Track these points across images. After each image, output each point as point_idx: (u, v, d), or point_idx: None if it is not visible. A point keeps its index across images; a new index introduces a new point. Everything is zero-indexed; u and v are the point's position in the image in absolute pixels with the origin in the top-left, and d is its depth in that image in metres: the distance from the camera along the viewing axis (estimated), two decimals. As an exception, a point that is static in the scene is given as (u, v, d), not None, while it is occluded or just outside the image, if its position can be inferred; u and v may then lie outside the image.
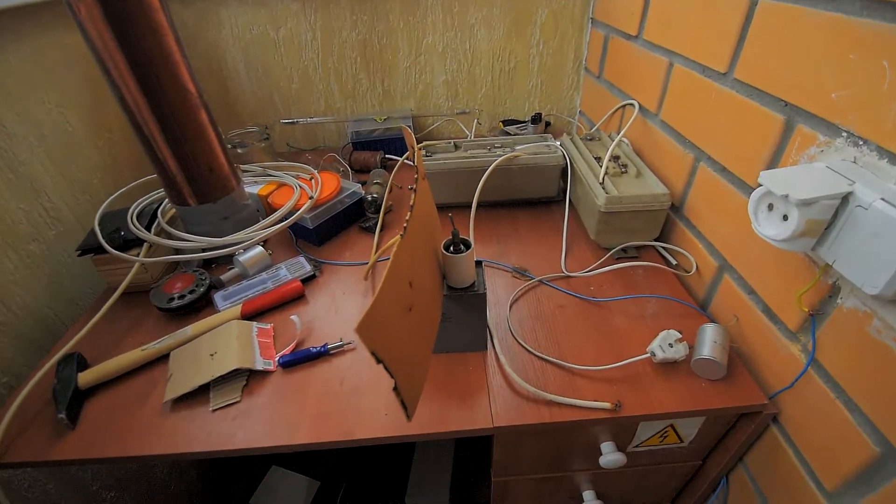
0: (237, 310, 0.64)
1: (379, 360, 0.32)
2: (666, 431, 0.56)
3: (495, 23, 1.02)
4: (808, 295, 0.47)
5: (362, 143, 1.03)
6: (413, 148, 0.54)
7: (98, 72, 0.64)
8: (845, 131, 0.42)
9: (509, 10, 1.01)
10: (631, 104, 0.83)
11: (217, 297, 0.67)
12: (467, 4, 1.00)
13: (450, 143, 0.87)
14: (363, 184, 0.90)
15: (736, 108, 0.56)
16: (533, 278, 0.69)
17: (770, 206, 0.43)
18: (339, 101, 1.10)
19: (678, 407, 0.50)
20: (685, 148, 0.68)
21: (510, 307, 0.64)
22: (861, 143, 0.41)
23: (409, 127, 1.04)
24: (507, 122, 1.10)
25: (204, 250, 0.73)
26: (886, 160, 0.39)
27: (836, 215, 0.40)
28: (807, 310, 0.47)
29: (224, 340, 0.59)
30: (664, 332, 0.54)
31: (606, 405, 0.50)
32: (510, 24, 1.03)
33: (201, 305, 0.68)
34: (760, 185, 0.43)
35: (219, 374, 0.55)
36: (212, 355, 0.58)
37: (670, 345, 0.53)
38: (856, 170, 0.41)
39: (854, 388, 0.43)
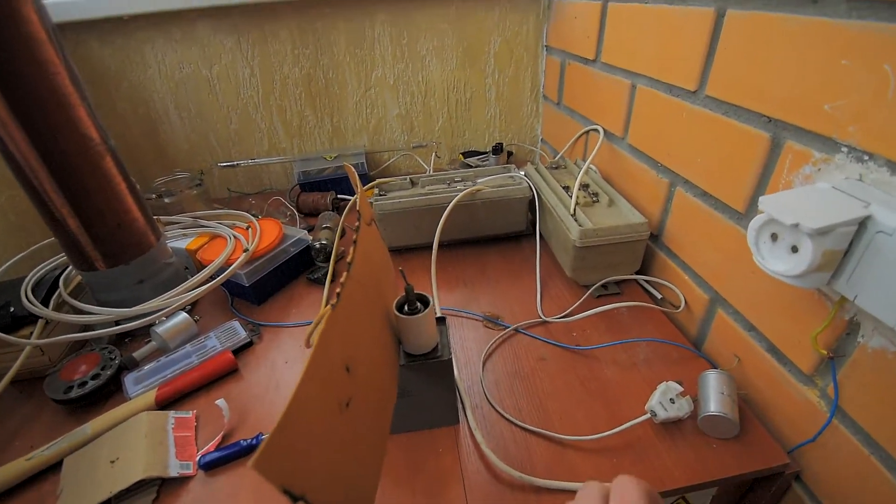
0: (150, 396, 0.52)
1: (296, 498, 0.23)
2: (676, 504, 0.47)
3: (447, 53, 0.98)
4: (823, 335, 0.40)
5: (311, 184, 0.95)
6: (356, 186, 0.46)
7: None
8: (845, 146, 0.37)
9: (461, 39, 0.97)
10: (595, 130, 0.79)
11: (127, 380, 0.55)
12: (417, 35, 0.95)
13: (405, 179, 0.80)
14: (311, 229, 0.81)
15: (711, 127, 0.51)
16: (507, 327, 0.60)
17: (773, 236, 0.37)
18: (284, 141, 1.02)
19: (689, 479, 0.42)
20: (658, 172, 0.63)
21: (483, 365, 0.55)
22: (867, 157, 0.35)
23: (362, 164, 0.96)
24: (467, 154, 1.04)
25: (118, 323, 0.61)
26: (902, 176, 0.33)
27: (852, 243, 0.34)
28: (825, 352, 0.40)
29: (129, 441, 0.47)
30: (663, 386, 0.46)
31: (606, 486, 0.41)
32: (462, 53, 0.98)
33: (109, 392, 0.56)
34: (761, 213, 0.36)
35: (120, 489, 0.43)
36: (112, 462, 0.46)
37: (672, 400, 0.45)
38: (865, 189, 0.35)
39: (892, 442, 0.36)
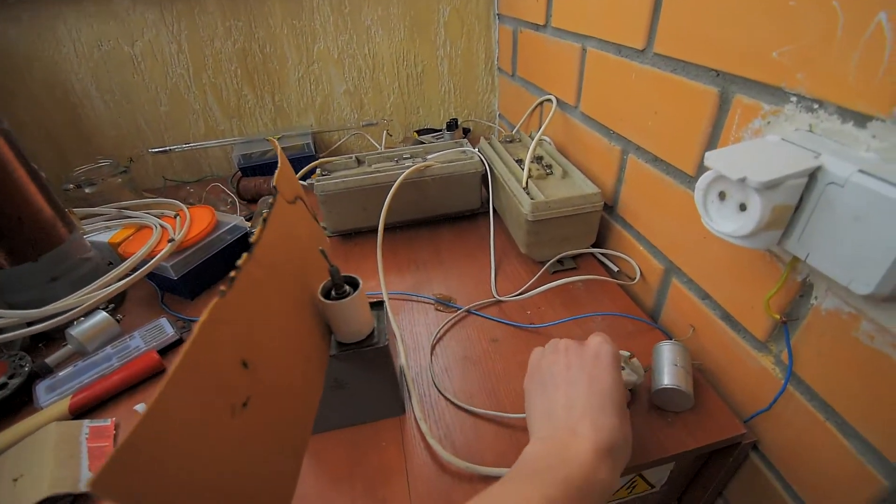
0: (64, 405, 0.47)
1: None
2: (633, 482, 0.45)
3: (394, 23, 0.92)
4: (775, 298, 0.38)
5: (252, 168, 0.88)
6: (280, 159, 0.41)
7: None
8: (794, 95, 0.34)
9: (408, 8, 0.91)
10: (549, 100, 0.75)
11: (39, 388, 0.50)
12: (360, 3, 0.89)
13: (351, 157, 0.75)
14: (251, 216, 0.75)
15: (660, 86, 0.49)
16: (459, 308, 0.57)
17: (721, 195, 0.34)
18: (222, 123, 0.95)
19: (644, 457, 0.40)
20: (611, 140, 0.60)
21: (433, 350, 0.52)
22: (816, 106, 0.33)
23: (309, 145, 0.90)
24: (421, 132, 0.99)
25: (29, 325, 0.55)
26: (852, 123, 0.31)
27: (802, 198, 0.32)
28: (778, 316, 0.38)
29: (35, 455, 0.42)
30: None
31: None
32: (410, 24, 0.93)
33: (19, 403, 0.50)
34: (708, 171, 0.34)
35: (20, 511, 0.38)
36: (15, 480, 0.41)
37: (622, 366, 0.43)
38: (816, 139, 0.32)
39: (848, 407, 0.35)
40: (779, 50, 0.35)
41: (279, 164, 0.38)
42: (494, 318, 0.55)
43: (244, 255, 0.28)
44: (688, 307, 0.50)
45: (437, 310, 0.58)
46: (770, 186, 0.30)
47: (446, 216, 0.75)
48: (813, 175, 0.30)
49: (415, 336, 0.54)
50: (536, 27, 0.78)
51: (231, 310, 0.26)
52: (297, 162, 0.90)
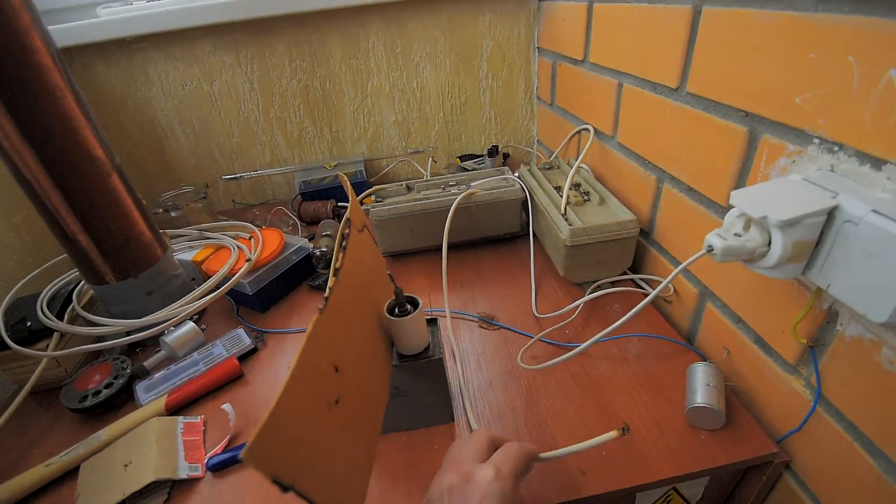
0: (161, 403, 0.55)
1: (286, 488, 0.24)
2: (669, 496, 0.48)
3: (440, 59, 0.99)
4: (803, 323, 0.41)
5: (311, 193, 0.97)
6: (349, 193, 0.48)
7: None
8: (816, 137, 0.38)
9: (453, 45, 0.98)
10: (586, 129, 0.80)
11: (139, 388, 0.58)
12: (409, 43, 0.97)
13: (402, 185, 0.82)
14: (312, 237, 0.83)
15: (693, 123, 0.52)
16: (501, 326, 0.62)
17: (747, 229, 0.38)
18: (285, 151, 1.04)
19: (677, 470, 0.43)
20: (646, 169, 0.64)
21: (478, 364, 0.57)
22: (836, 148, 0.36)
23: (361, 172, 0.98)
24: (464, 158, 1.05)
25: (129, 333, 0.64)
26: (869, 165, 0.34)
27: (822, 234, 0.35)
28: (805, 341, 0.41)
29: (141, 445, 0.50)
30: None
31: (612, 434, 0.40)
32: (456, 59, 1.00)
33: (122, 400, 0.58)
34: (733, 207, 0.37)
35: (133, 491, 0.45)
36: (126, 466, 0.48)
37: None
38: (836, 179, 0.36)
39: (873, 429, 0.37)
40: (801, 96, 0.38)
41: (350, 199, 0.45)
42: (534, 336, 0.60)
43: (332, 278, 0.35)
44: (722, 330, 0.53)
45: (480, 327, 0.63)
46: (790, 224, 0.33)
47: (488, 239, 0.81)
48: (831, 213, 0.34)
49: (461, 351, 0.59)
50: (574, 62, 0.83)
51: (325, 324, 0.32)
52: (353, 187, 0.98)
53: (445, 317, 0.63)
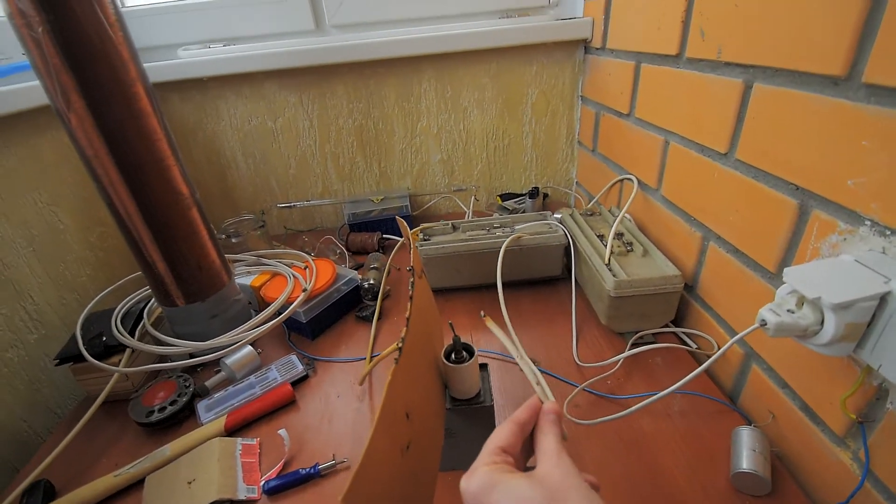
0: (221, 423, 0.58)
1: (370, 529, 0.27)
2: (710, 558, 0.48)
3: (487, 104, 1.05)
4: (852, 398, 0.42)
5: (359, 225, 1.02)
6: (409, 240, 0.52)
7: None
8: (868, 220, 0.39)
9: (500, 92, 1.03)
10: (629, 179, 0.82)
11: (200, 406, 0.62)
12: (460, 89, 1.02)
13: (447, 224, 0.86)
14: (360, 266, 0.88)
15: (742, 189, 0.54)
16: (544, 372, 0.64)
17: (800, 306, 0.39)
18: (335, 184, 1.11)
19: (722, 534, 0.43)
20: (692, 226, 0.65)
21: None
22: (889, 233, 0.38)
23: (406, 207, 1.03)
24: (504, 197, 1.09)
25: (191, 355, 0.69)
26: (922, 254, 0.35)
27: (874, 316, 0.36)
28: (854, 416, 0.41)
29: (204, 464, 0.53)
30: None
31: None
32: (502, 104, 1.05)
33: (184, 416, 0.63)
34: (784, 283, 0.39)
35: (196, 508, 0.49)
36: (190, 483, 0.52)
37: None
38: (888, 263, 0.37)
39: (927, 511, 0.37)
40: (854, 180, 0.40)
41: (411, 249, 0.49)
42: (576, 384, 0.61)
43: (404, 328, 0.38)
44: (767, 393, 0.53)
45: (522, 371, 0.65)
46: (843, 307, 0.35)
47: (528, 281, 0.83)
48: (884, 298, 0.35)
49: (503, 394, 0.61)
50: (619, 114, 0.86)
51: (400, 372, 0.35)
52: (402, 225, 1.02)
53: (500, 361, 0.65)
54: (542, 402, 0.36)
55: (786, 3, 0.45)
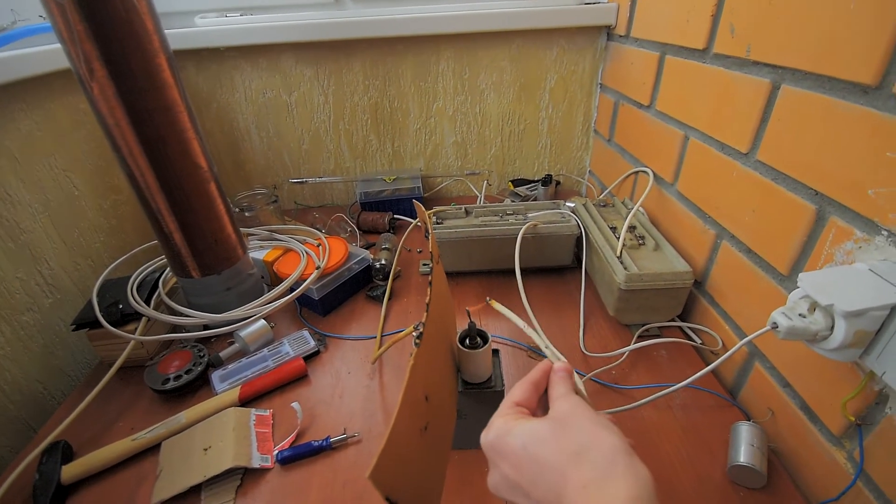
0: (235, 393, 0.60)
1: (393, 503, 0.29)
2: (701, 543, 0.51)
3: (505, 88, 1.03)
4: (853, 401, 0.43)
5: (371, 204, 1.02)
6: (428, 227, 0.52)
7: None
8: (886, 230, 0.40)
9: (519, 75, 1.02)
10: (645, 172, 0.82)
11: (214, 377, 0.64)
12: (477, 70, 1.01)
13: (461, 208, 0.86)
14: (370, 245, 0.88)
15: (760, 190, 0.55)
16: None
17: (812, 311, 0.40)
18: (348, 161, 1.10)
19: (717, 523, 0.45)
20: (706, 223, 0.66)
21: (526, 393, 0.60)
22: (905, 245, 0.38)
23: (418, 188, 1.03)
24: (516, 182, 1.09)
25: (206, 327, 0.70)
26: (937, 268, 0.36)
27: (883, 324, 0.37)
28: (853, 418, 0.43)
29: (219, 432, 0.55)
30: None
31: None
32: (519, 89, 1.04)
33: (198, 385, 0.64)
34: (797, 288, 0.40)
35: (212, 475, 0.51)
36: (205, 450, 0.54)
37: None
38: (902, 274, 0.38)
39: (916, 512, 0.39)
40: (874, 189, 0.41)
41: (430, 233, 0.49)
42: (582, 372, 0.63)
43: (425, 313, 0.39)
44: (768, 391, 0.55)
45: (529, 356, 0.66)
46: (855, 315, 0.36)
47: (538, 268, 0.84)
48: (894, 308, 0.36)
49: (510, 378, 0.63)
50: (639, 105, 0.85)
51: (421, 356, 0.36)
52: (408, 201, 1.03)
53: (508, 346, 0.66)
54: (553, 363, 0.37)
55: (821, 7, 0.45)
